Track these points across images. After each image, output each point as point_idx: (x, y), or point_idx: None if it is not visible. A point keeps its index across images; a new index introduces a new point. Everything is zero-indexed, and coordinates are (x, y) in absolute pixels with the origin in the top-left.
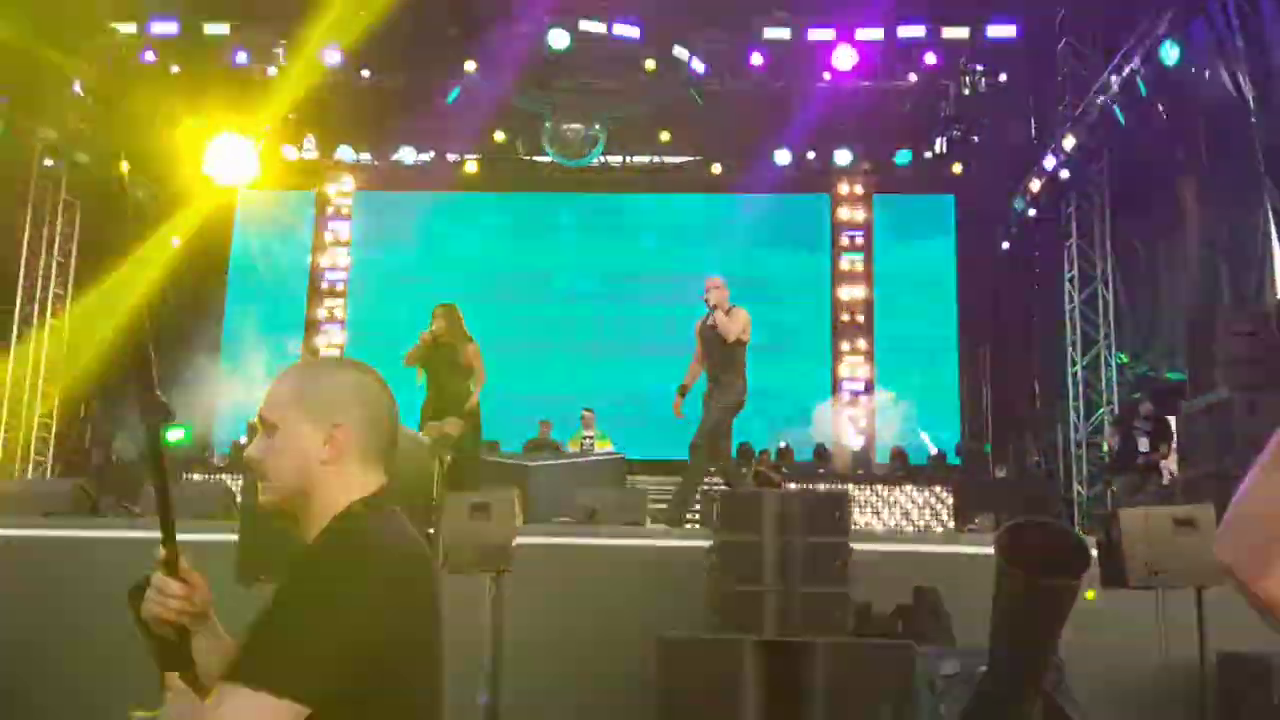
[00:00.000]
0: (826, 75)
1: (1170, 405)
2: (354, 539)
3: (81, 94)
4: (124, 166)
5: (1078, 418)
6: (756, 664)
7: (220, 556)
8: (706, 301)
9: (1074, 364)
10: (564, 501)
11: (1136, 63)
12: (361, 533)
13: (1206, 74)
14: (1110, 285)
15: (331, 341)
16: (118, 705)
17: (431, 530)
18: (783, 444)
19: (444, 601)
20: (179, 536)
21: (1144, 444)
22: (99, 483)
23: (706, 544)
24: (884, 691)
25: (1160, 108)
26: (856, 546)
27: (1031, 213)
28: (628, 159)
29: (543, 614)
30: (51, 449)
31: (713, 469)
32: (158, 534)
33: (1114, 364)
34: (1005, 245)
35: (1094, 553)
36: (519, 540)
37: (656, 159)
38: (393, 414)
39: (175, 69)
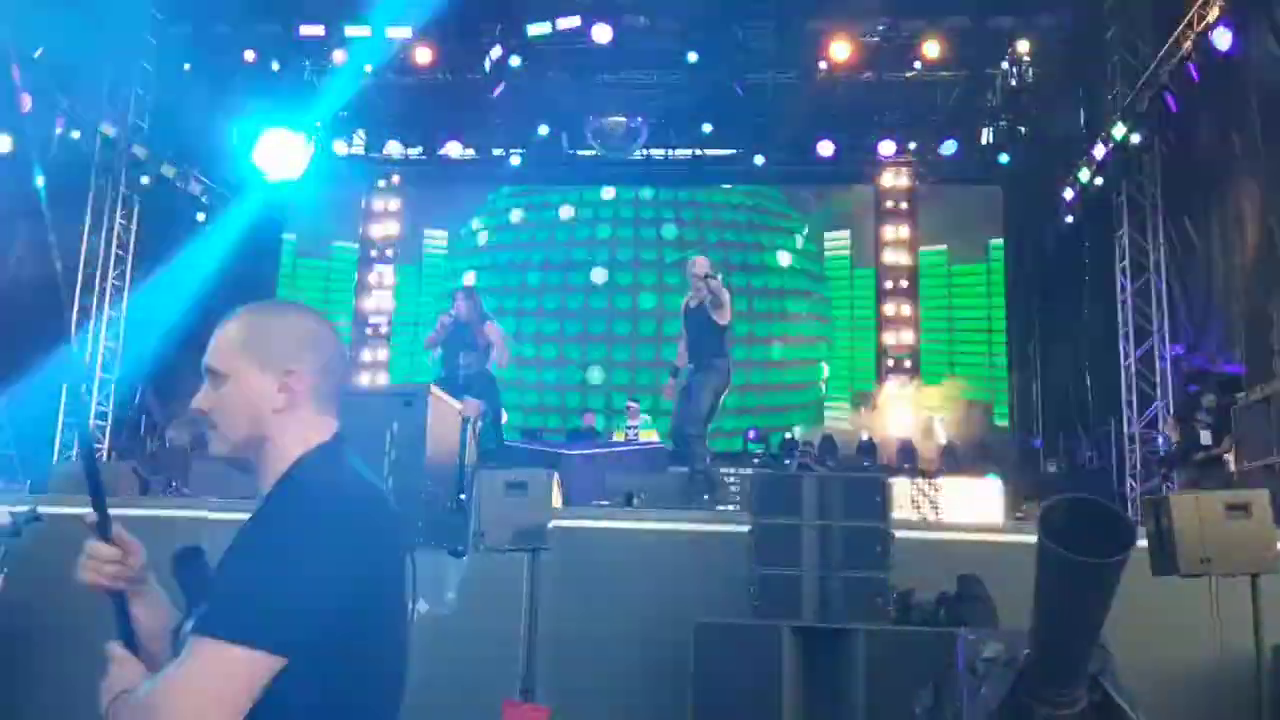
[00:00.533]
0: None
1: (1226, 397)
2: (313, 489)
3: (140, 91)
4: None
5: (1131, 411)
6: (794, 650)
7: None
8: (695, 282)
9: (1126, 356)
10: (602, 488)
11: (1188, 49)
12: (321, 482)
13: (1262, 60)
14: (1163, 276)
15: (379, 332)
16: None
17: (463, 496)
18: (831, 435)
19: (403, 549)
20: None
21: (1206, 437)
22: (153, 467)
23: (745, 529)
24: (925, 675)
25: (1213, 95)
26: (900, 534)
27: (1081, 203)
28: (670, 151)
29: (579, 597)
30: (108, 437)
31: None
32: (205, 513)
33: (1168, 356)
34: (1055, 236)
35: (1143, 541)
36: (555, 523)
37: (699, 151)
38: (344, 358)
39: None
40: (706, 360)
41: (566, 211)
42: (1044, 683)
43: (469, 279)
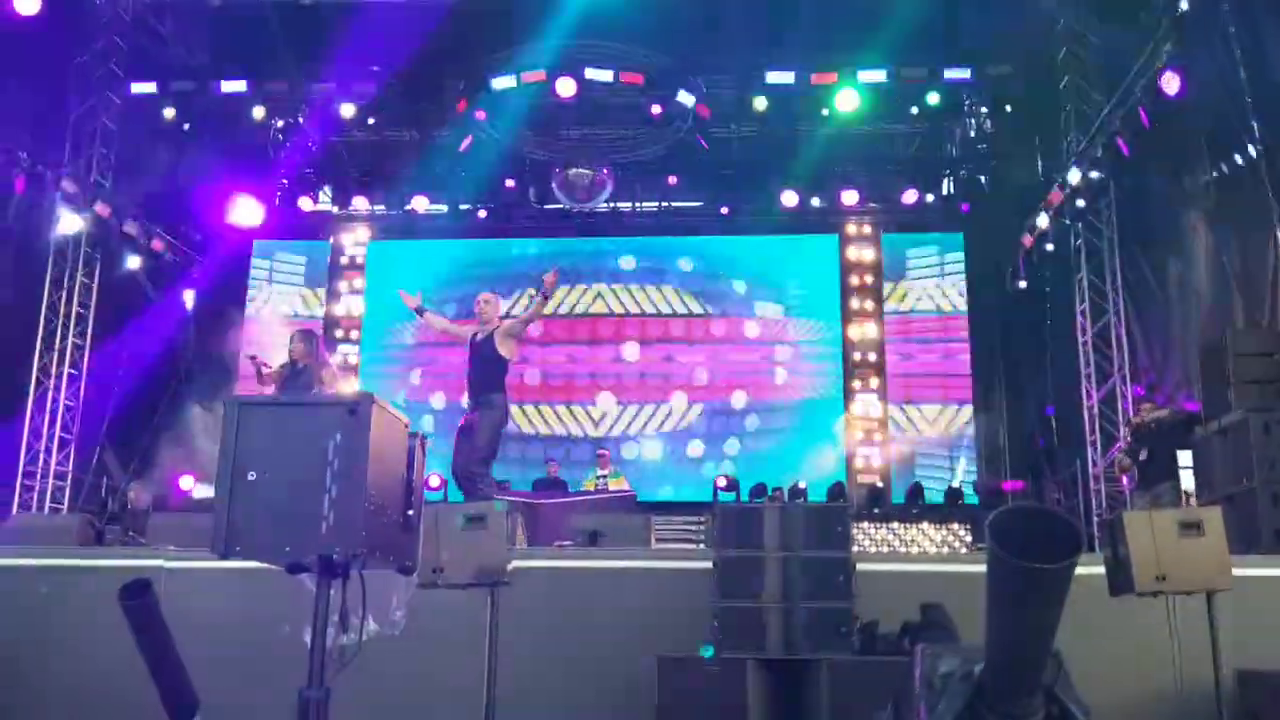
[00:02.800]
0: (828, 115)
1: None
2: None
3: (104, 149)
4: None
5: (1095, 452)
6: (759, 683)
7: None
8: (486, 317)
9: (1089, 398)
10: (568, 531)
11: (1139, 94)
12: None
13: (1209, 103)
14: (1123, 317)
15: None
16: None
17: (410, 512)
18: (802, 483)
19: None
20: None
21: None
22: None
23: (708, 564)
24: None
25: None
26: (866, 567)
27: (1041, 248)
28: (637, 204)
29: (544, 633)
30: (67, 496)
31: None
32: (161, 563)
33: (1130, 396)
34: (1016, 282)
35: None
36: (521, 563)
37: (665, 203)
38: None
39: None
40: (485, 397)
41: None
42: (1000, 695)
43: (313, 326)
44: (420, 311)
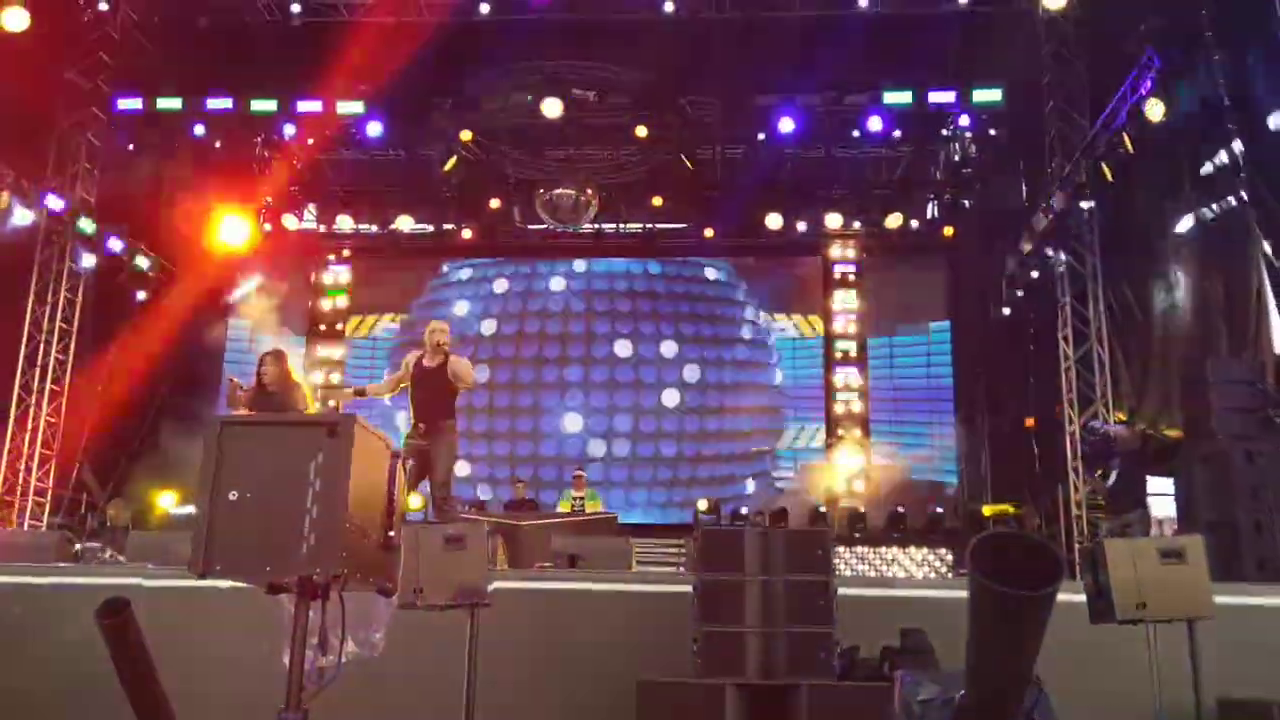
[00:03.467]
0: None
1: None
2: None
3: (88, 165)
4: None
5: (1077, 477)
6: (739, 708)
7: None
8: (439, 346)
9: (1071, 422)
10: (547, 553)
11: (1123, 120)
12: None
13: (1192, 129)
14: (1105, 343)
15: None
16: None
17: (391, 533)
18: (784, 506)
19: None
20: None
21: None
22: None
23: (689, 588)
24: None
25: (1148, 165)
26: (847, 591)
27: (1024, 273)
28: (621, 225)
29: (524, 658)
30: (47, 513)
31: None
32: (140, 581)
33: (1113, 422)
34: (999, 306)
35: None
36: (501, 584)
37: (650, 225)
38: None
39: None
40: (438, 423)
41: (515, 284)
42: None
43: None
44: (361, 393)
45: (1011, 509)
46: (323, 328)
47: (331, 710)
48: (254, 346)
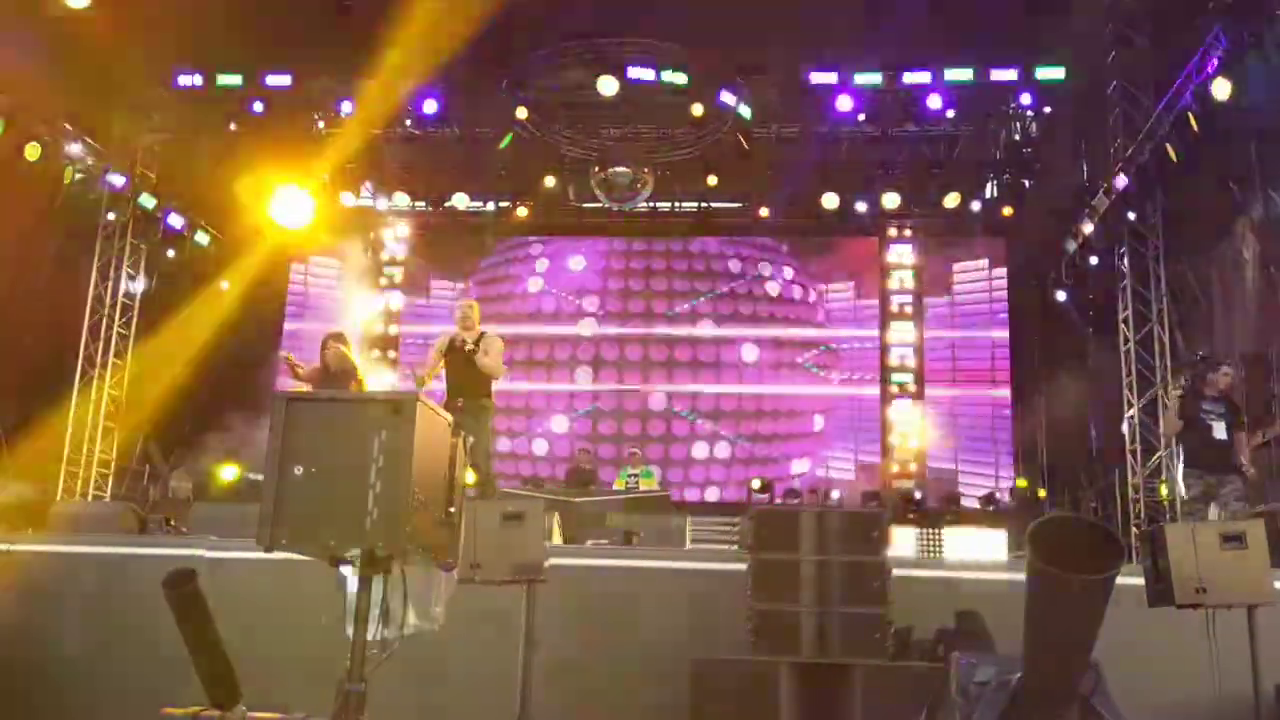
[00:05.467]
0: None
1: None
2: None
3: (149, 141)
4: None
5: (1135, 461)
6: (792, 686)
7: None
8: (469, 326)
9: (1130, 406)
10: (602, 530)
11: (1188, 100)
12: None
13: (1260, 109)
14: (1166, 326)
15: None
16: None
17: (452, 509)
18: (835, 487)
19: None
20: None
21: (1220, 430)
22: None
23: (742, 566)
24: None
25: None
26: (902, 573)
27: (1084, 255)
28: (676, 204)
29: (577, 632)
30: (110, 485)
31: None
32: (202, 552)
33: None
34: (1058, 288)
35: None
36: (556, 560)
37: (704, 203)
38: None
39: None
40: (478, 402)
41: (570, 261)
42: (1037, 705)
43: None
44: (421, 383)
45: (1023, 483)
46: (380, 309)
47: (391, 680)
48: (311, 321)
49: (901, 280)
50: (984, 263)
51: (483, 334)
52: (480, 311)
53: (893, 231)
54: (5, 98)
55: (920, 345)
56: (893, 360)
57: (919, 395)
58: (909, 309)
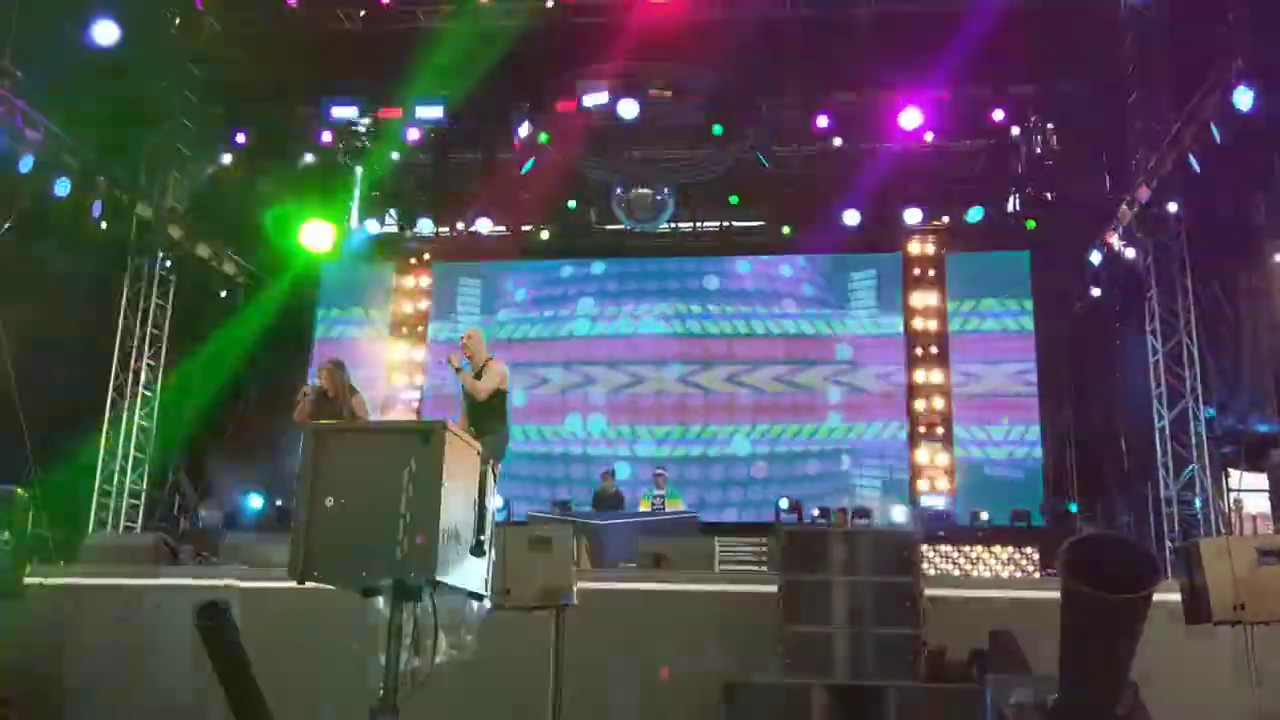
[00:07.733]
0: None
1: (1260, 457)
2: None
3: (177, 174)
4: None
5: (1166, 474)
6: (826, 708)
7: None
8: (465, 356)
9: (1160, 418)
10: (632, 553)
11: (1210, 110)
12: None
13: None
14: (1194, 336)
15: (412, 407)
16: None
17: (483, 537)
18: (865, 506)
19: None
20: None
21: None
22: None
23: (772, 589)
24: None
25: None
26: (935, 592)
27: (1109, 266)
28: (698, 224)
29: (609, 657)
30: (141, 515)
31: None
32: (233, 581)
33: (1202, 418)
34: (1084, 300)
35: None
36: (586, 585)
37: (727, 223)
38: None
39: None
40: (479, 428)
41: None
42: None
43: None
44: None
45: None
46: (404, 330)
47: (422, 708)
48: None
49: (925, 298)
50: (1008, 276)
51: (488, 360)
52: (480, 341)
53: (914, 248)
54: (35, 132)
55: (948, 388)
56: (918, 379)
57: (947, 412)
58: (933, 326)
